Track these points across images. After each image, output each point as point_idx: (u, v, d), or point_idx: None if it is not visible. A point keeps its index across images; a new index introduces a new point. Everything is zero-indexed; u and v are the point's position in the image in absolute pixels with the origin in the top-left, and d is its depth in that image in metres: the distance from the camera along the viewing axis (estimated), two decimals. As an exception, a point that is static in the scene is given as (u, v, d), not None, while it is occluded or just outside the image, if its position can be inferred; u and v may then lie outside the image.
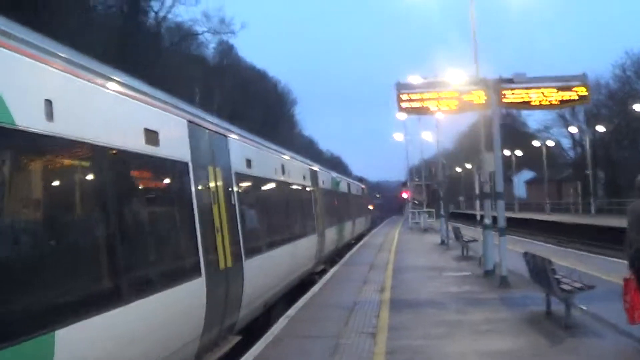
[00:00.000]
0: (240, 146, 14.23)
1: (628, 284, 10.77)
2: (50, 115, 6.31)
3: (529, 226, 59.43)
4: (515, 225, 46.12)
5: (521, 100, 19.56)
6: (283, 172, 19.41)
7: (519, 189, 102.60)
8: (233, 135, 13.75)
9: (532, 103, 19.57)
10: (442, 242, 38.25)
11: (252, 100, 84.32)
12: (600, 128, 71.23)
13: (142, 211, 8.77)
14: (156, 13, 64.57)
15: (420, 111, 20.24)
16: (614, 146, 79.07)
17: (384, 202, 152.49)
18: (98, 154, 7.33)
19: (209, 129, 11.94)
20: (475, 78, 19.91)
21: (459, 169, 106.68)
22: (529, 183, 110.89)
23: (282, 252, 17.38)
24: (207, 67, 73.85)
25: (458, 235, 30.96)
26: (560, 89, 19.38)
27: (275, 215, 18.12)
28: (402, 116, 63.05)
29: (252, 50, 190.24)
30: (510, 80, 19.42)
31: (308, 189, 24.68)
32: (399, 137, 71.63)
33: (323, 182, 29.47)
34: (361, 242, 44.68)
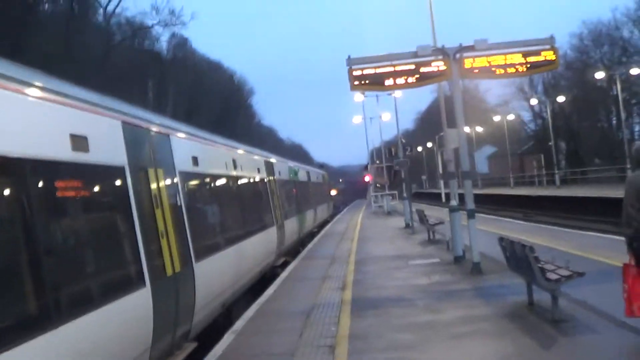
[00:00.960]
0: (185, 144, 13.53)
1: (627, 270, 9.11)
2: None
3: (494, 202, 58.45)
4: (481, 202, 44.86)
5: (484, 67, 17.78)
6: (235, 166, 18.77)
7: (481, 165, 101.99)
8: (177, 134, 13.02)
9: (496, 72, 17.81)
10: (407, 226, 36.39)
11: (209, 93, 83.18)
12: (561, 99, 70.44)
13: (71, 223, 8.13)
14: (104, 9, 63.10)
15: (375, 87, 18.27)
16: (575, 117, 78.54)
17: (347, 187, 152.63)
18: (14, 166, 6.68)
19: (148, 129, 11.29)
20: (433, 48, 18.05)
21: (420, 149, 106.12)
22: (490, 158, 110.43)
23: (237, 250, 16.66)
24: (161, 62, 72.38)
25: (423, 219, 29.18)
26: (526, 54, 17.63)
27: (228, 212, 17.49)
28: (358, 97, 61.65)
29: (205, 42, 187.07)
30: (471, 48, 17.67)
31: (264, 181, 24.10)
32: (357, 119, 70.50)
33: (280, 173, 29.02)
34: (323, 231, 42.85)
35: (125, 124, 10.02)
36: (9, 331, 6.08)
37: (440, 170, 25.29)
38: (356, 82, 17.68)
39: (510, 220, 37.23)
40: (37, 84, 7.66)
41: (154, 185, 10.86)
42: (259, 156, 24.84)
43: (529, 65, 17.71)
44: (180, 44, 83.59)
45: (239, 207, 19.00)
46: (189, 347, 11.71)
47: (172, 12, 67.74)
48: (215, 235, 15.18)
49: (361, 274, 19.49)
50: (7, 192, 6.76)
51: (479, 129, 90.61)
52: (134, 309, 9.01)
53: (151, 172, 10.84)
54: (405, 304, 14.05)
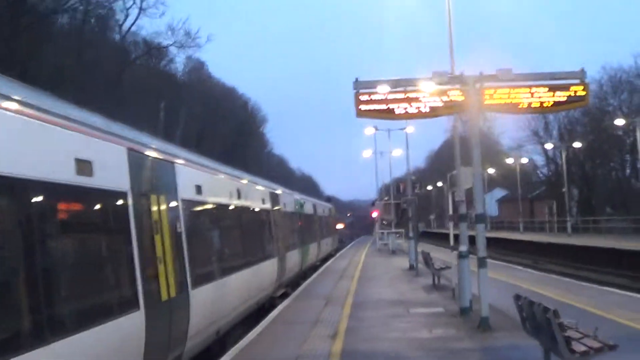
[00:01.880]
0: (189, 172, 13.75)
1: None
2: None
3: (502, 246, 56.50)
4: (489, 246, 42.60)
5: (507, 101, 16.02)
6: (239, 196, 18.96)
7: (491, 207, 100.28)
8: (180, 161, 13.26)
9: (520, 106, 16.03)
10: (411, 267, 34.72)
11: (222, 118, 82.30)
12: (577, 144, 68.82)
13: (70, 244, 8.38)
14: (120, 26, 62.34)
15: (384, 114, 16.41)
16: (589, 163, 76.83)
17: (354, 221, 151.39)
18: (19, 187, 7.02)
19: (152, 156, 11.56)
20: (450, 74, 16.29)
21: (429, 188, 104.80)
22: (501, 201, 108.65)
23: (236, 279, 16.77)
24: (175, 84, 71.64)
25: (428, 262, 27.25)
26: (553, 88, 15.86)
27: (229, 241, 17.61)
28: (370, 131, 60.12)
29: (220, 65, 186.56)
30: (494, 77, 15.91)
31: (267, 212, 24.01)
32: (367, 154, 69.00)
33: (285, 204, 28.83)
34: (323, 267, 41.01)
35: (130, 150, 10.29)
36: (23, 339, 6.76)
37: (450, 211, 23.45)
38: (363, 108, 15.94)
39: (520, 268, 35.22)
40: (44, 107, 7.87)
41: (155, 211, 11.10)
42: (264, 187, 24.71)
43: (555, 101, 15.95)
44: (197, 68, 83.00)
45: (240, 237, 18.98)
46: None
47: (187, 34, 66.09)
48: (214, 263, 15.23)
49: (356, 320, 17.69)
50: (12, 210, 7.04)
51: (491, 170, 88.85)
52: (127, 330, 9.24)
53: (153, 198, 11.13)
54: (402, 364, 12.20)
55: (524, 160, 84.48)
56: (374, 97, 15.94)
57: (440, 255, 33.96)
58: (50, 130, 7.88)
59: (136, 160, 10.49)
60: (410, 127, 41.02)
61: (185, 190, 13.08)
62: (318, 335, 15.61)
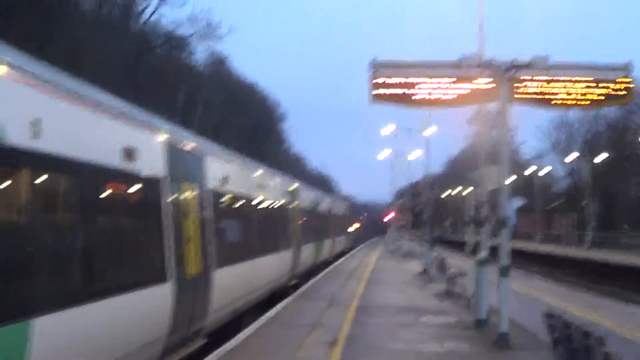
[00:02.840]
0: (217, 164, 15.29)
1: None
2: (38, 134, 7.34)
3: (519, 256, 54.66)
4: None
5: (540, 95, 14.34)
6: (260, 189, 20.37)
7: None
8: (211, 154, 14.79)
9: (554, 100, 14.35)
10: (424, 272, 32.93)
11: (240, 112, 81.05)
12: (599, 158, 66.96)
13: (113, 220, 9.73)
14: (141, 13, 61.17)
15: (401, 101, 14.67)
16: (610, 178, 74.78)
17: (368, 223, 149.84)
18: (78, 169, 8.31)
19: (186, 148, 12.96)
20: (479, 60, 14.60)
21: (448, 191, 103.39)
22: (518, 211, 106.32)
23: (254, 265, 18.09)
24: (194, 74, 70.31)
25: (443, 267, 25.56)
26: (595, 81, 14.15)
27: (249, 229, 18.60)
28: (388, 130, 58.38)
29: (240, 57, 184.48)
30: (528, 66, 14.17)
31: (287, 206, 25.31)
32: (384, 155, 67.44)
33: (303, 200, 30.14)
34: (332, 266, 39.41)
35: (168, 142, 11.72)
36: (86, 293, 8.27)
37: (471, 213, 21.66)
38: (378, 92, 14.27)
39: (539, 278, 33.34)
40: (99, 99, 9.31)
41: (185, 197, 12.45)
42: (285, 182, 26.41)
43: (596, 96, 14.22)
44: (218, 62, 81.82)
45: (260, 226, 20.01)
46: (198, 343, 12.96)
47: (209, 25, 64.21)
48: (235, 248, 16.39)
49: (360, 326, 16.17)
50: (73, 188, 8.39)
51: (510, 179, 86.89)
52: (157, 299, 10.50)
53: (185, 185, 12.49)
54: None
55: (546, 170, 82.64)
56: (390, 80, 14.27)
57: (454, 262, 32.28)
58: (103, 121, 9.34)
59: (173, 151, 11.84)
60: (432, 128, 39.58)
61: (213, 180, 14.46)
62: (315, 341, 14.12)
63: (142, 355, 10.06)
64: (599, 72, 14.44)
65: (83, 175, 8.43)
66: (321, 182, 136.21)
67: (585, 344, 8.09)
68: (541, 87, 14.41)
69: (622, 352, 8.63)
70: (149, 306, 10.09)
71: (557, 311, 10.80)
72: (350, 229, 76.80)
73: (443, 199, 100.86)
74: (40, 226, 7.52)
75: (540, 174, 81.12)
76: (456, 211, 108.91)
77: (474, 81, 14.37)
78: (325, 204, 43.35)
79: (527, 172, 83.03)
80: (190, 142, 13.33)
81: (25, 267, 7.02)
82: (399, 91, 14.26)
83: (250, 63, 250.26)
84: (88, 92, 9.09)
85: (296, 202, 27.61)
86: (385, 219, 76.52)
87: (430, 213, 35.27)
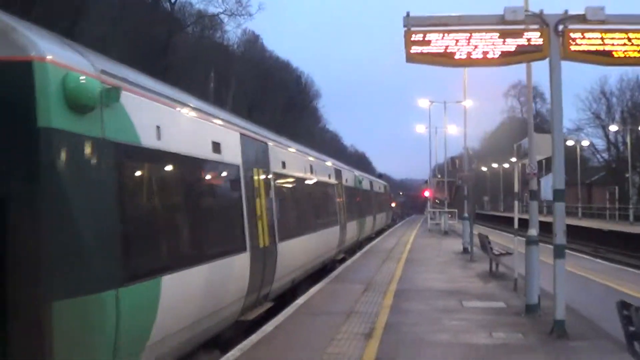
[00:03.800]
0: (277, 151, 17.18)
1: None
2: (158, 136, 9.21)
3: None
4: (547, 230, 39.26)
5: (597, 48, 12.63)
6: (311, 171, 22.49)
7: (547, 191, 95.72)
8: (271, 143, 16.76)
9: (614, 54, 12.62)
10: (465, 251, 31.42)
11: (273, 90, 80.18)
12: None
13: (212, 201, 11.97)
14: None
15: (440, 59, 13.01)
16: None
17: (406, 201, 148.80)
18: (186, 161, 10.27)
19: (254, 138, 14.99)
20: (527, 12, 12.92)
21: (484, 168, 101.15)
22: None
23: (308, 239, 20.06)
24: (227, 53, 71.03)
25: (486, 246, 23.93)
26: None
27: (304, 207, 20.85)
28: (424, 103, 56.65)
29: (273, 36, 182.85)
30: (581, 18, 12.53)
31: (333, 186, 27.27)
32: (421, 129, 65.91)
33: (346, 180, 32.04)
34: (368, 246, 37.95)
35: (241, 135, 13.63)
36: (202, 255, 10.50)
37: (516, 188, 19.94)
38: (415, 51, 12.68)
39: (585, 257, 31.40)
40: (192, 105, 11.21)
41: (256, 180, 14.37)
42: (330, 164, 28.37)
43: None
44: (251, 40, 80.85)
45: (312, 205, 22.29)
46: (267, 305, 14.96)
47: (238, 1, 63.82)
48: (293, 224, 18.55)
49: (399, 313, 14.79)
50: (182, 176, 10.34)
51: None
52: (238, 265, 12.31)
53: (255, 170, 14.41)
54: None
55: (585, 143, 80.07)
56: (429, 37, 12.66)
57: (496, 239, 30.51)
58: (198, 122, 11.24)
59: (245, 141, 13.70)
60: (469, 101, 38.16)
61: (275, 165, 16.47)
62: (349, 332, 12.74)
63: (230, 310, 11.95)
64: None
65: (188, 166, 10.41)
66: (357, 160, 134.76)
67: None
68: (600, 37, 12.69)
69: None
70: (235, 270, 12.05)
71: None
72: (390, 206, 76.78)
73: (482, 173, 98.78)
74: (164, 206, 9.53)
75: (582, 145, 78.67)
76: (494, 186, 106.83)
77: (521, 36, 12.69)
78: (367, 182, 44.42)
79: (567, 144, 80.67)
80: (257, 134, 15.45)
81: (156, 238, 9.07)
82: (438, 49, 12.65)
83: (283, 42, 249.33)
84: (183, 98, 10.87)
85: (342, 182, 29.64)
86: (423, 196, 74.88)
87: (470, 188, 33.46)
